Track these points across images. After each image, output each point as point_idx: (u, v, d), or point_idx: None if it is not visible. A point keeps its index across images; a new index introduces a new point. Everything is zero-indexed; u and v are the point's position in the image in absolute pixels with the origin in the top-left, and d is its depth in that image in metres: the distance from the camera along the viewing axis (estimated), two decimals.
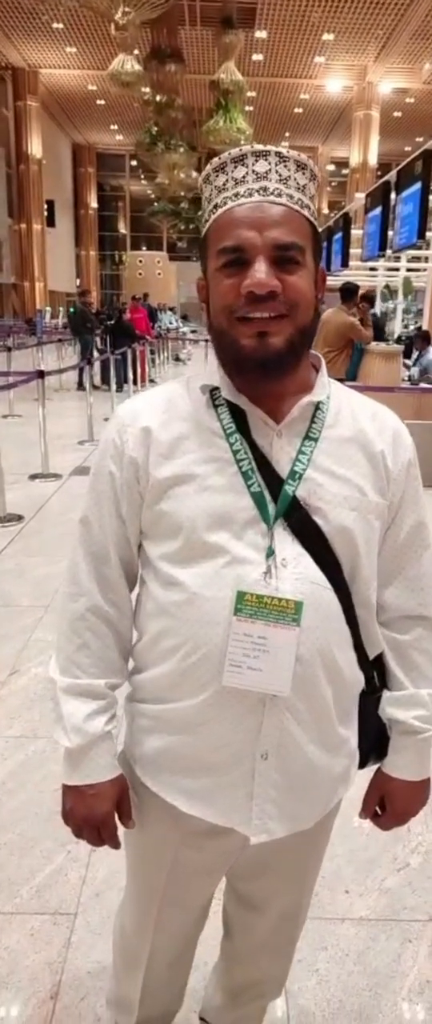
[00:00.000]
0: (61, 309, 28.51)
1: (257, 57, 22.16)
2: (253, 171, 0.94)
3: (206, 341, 17.76)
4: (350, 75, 23.59)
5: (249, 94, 21.20)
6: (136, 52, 17.27)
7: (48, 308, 26.40)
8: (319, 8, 18.68)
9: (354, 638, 1.03)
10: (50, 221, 29.73)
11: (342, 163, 29.92)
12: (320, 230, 1.01)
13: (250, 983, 1.33)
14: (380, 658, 1.11)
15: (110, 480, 1.02)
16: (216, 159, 0.97)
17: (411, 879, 2.06)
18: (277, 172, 0.94)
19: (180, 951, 1.27)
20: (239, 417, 1.00)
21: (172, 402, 1.03)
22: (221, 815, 1.02)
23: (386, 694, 1.12)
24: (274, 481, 0.97)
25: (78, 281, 36.19)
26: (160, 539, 1.00)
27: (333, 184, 34.99)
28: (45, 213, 28.84)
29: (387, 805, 1.16)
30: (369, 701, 1.11)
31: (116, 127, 31.31)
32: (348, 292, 7.66)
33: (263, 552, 0.95)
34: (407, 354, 9.93)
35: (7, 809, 2.30)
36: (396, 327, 11.60)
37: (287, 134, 30.34)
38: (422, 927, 1.90)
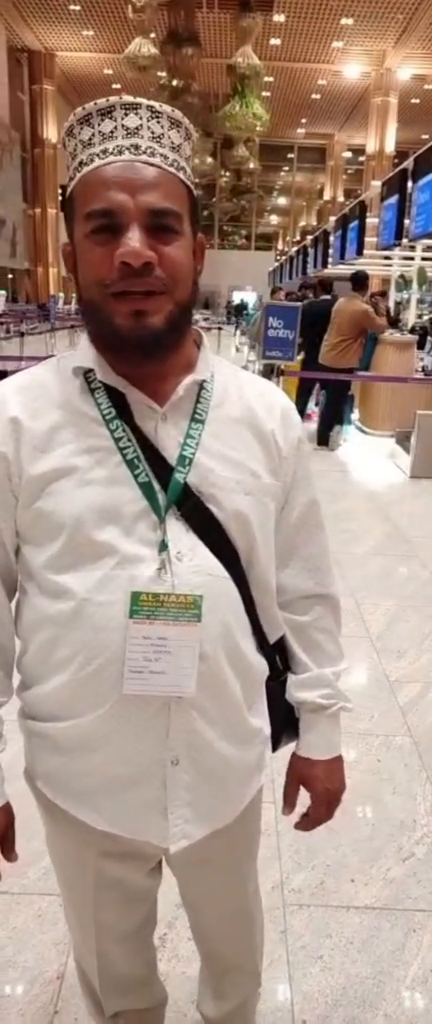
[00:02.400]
0: (74, 295, 28.49)
1: (275, 41, 21.93)
2: (123, 126, 0.85)
3: (219, 328, 17.69)
4: (368, 61, 23.30)
5: (266, 79, 21.00)
6: (153, 35, 17.16)
7: (61, 294, 26.39)
8: None
9: (252, 624, 0.99)
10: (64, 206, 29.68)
11: (359, 150, 29.58)
12: (196, 194, 0.94)
13: (221, 971, 1.31)
14: (281, 642, 1.08)
15: None
16: (80, 109, 0.87)
17: (416, 869, 2.06)
18: (149, 128, 0.85)
19: (129, 942, 1.19)
20: (118, 401, 0.91)
21: (41, 387, 0.94)
22: (135, 830, 0.97)
23: (291, 678, 1.10)
24: (162, 469, 0.90)
25: None
26: (41, 542, 0.90)
27: (349, 172, 34.59)
28: (60, 198, 28.81)
29: (309, 793, 1.13)
30: (274, 686, 1.08)
31: None
32: (359, 280, 7.63)
33: (156, 547, 0.88)
34: (421, 344, 9.84)
35: (14, 791, 2.31)
36: (410, 317, 11.47)
37: (303, 120, 30.09)
38: (426, 917, 1.90)
